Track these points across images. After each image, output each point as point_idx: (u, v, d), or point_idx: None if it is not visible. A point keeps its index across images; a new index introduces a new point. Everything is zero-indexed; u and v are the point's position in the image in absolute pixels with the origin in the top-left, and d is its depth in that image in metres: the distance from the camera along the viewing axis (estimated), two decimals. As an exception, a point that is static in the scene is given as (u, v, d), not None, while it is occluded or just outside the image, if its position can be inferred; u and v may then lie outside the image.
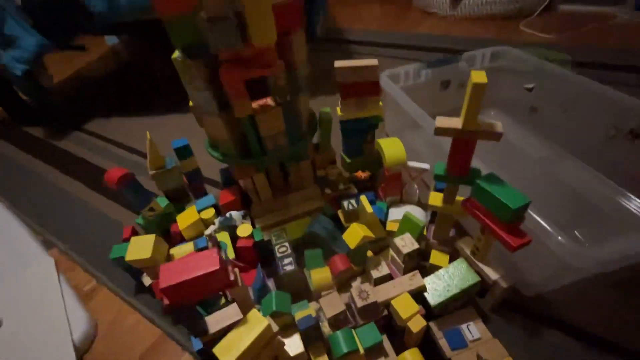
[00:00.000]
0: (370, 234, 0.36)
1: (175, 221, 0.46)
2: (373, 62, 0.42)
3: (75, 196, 0.64)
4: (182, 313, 0.28)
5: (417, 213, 0.45)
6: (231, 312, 0.31)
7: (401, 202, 0.50)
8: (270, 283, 0.41)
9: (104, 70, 1.22)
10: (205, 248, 0.44)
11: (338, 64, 0.42)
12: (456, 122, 0.30)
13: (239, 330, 0.27)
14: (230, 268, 0.29)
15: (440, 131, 0.31)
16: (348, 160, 0.52)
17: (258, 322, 0.27)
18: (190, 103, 0.42)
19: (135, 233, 0.45)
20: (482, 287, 0.36)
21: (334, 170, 0.49)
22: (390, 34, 1.16)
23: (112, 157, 0.74)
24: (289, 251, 0.40)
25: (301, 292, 0.40)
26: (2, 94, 0.89)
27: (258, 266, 0.37)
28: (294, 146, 0.43)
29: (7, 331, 0.40)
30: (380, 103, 0.47)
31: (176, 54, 0.37)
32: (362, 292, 0.34)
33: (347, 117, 0.47)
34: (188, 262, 0.25)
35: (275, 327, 0.32)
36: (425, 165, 0.46)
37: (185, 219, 0.45)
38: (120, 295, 0.45)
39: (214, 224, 0.46)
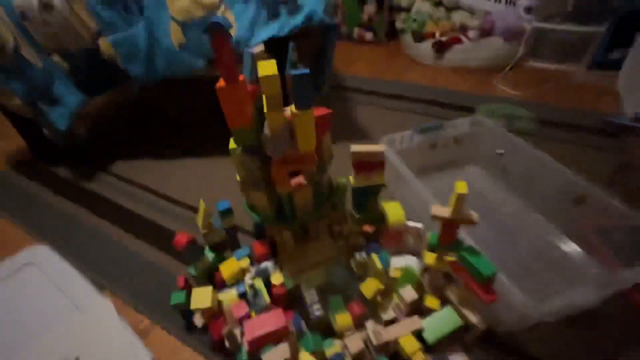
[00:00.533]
0: (381, 286, 0.48)
1: (218, 270, 0.56)
2: (381, 148, 0.54)
3: (113, 238, 0.73)
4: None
5: (413, 263, 0.57)
6: (283, 350, 0.41)
7: (399, 251, 0.61)
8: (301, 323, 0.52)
9: (121, 112, 1.30)
10: (245, 293, 0.54)
11: (354, 148, 0.54)
12: (446, 212, 0.43)
13: (294, 367, 0.37)
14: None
15: (435, 217, 0.43)
16: (357, 216, 0.63)
17: (308, 361, 0.38)
18: (238, 178, 0.53)
19: (186, 281, 0.55)
20: (465, 326, 0.48)
21: (347, 226, 0.60)
22: (381, 82, 1.31)
23: (140, 201, 0.83)
24: (317, 298, 0.50)
25: (325, 329, 0.51)
26: (28, 134, 0.97)
27: (296, 313, 0.48)
28: (317, 211, 0.55)
29: (82, 367, 0.48)
30: (383, 175, 0.59)
31: (233, 145, 0.48)
32: (377, 333, 0.46)
33: (358, 185, 0.59)
34: (263, 319, 0.36)
35: (315, 363, 0.42)
36: (419, 225, 0.58)
37: (228, 268, 0.55)
38: (173, 333, 0.54)
39: (249, 271, 0.57)
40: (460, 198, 0.41)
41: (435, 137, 0.78)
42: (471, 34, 1.32)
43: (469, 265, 0.43)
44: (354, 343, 0.45)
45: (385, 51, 1.63)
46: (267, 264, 0.56)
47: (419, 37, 1.41)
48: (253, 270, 0.56)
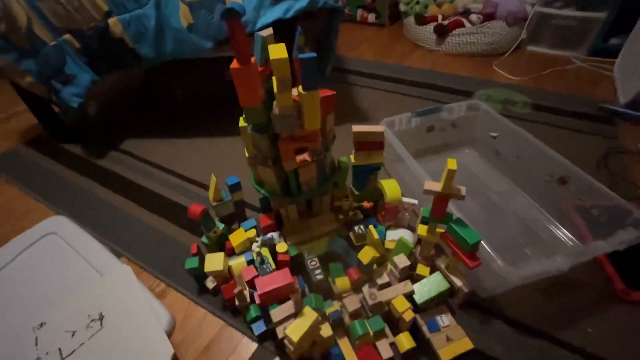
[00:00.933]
0: (377, 254, 0.53)
1: (228, 239, 0.61)
2: (380, 128, 0.58)
3: (126, 212, 0.78)
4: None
5: (408, 235, 0.62)
6: (288, 307, 0.46)
7: (395, 226, 0.66)
8: (305, 287, 0.57)
9: (130, 93, 1.32)
10: (252, 261, 0.59)
11: (355, 128, 0.58)
12: (437, 186, 0.47)
13: (299, 319, 0.43)
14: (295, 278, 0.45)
15: (427, 191, 0.47)
16: (356, 193, 0.68)
17: (311, 314, 0.43)
18: (247, 154, 0.57)
19: (199, 249, 0.60)
20: (451, 291, 0.53)
21: (347, 202, 0.65)
22: (382, 65, 1.33)
23: (151, 177, 0.87)
24: (318, 264, 0.56)
25: (326, 293, 0.56)
26: (41, 112, 1.00)
27: (300, 277, 0.53)
28: (320, 187, 0.59)
29: (110, 325, 0.54)
30: (384, 153, 0.63)
31: (243, 124, 0.52)
32: (372, 294, 0.51)
33: (358, 163, 0.63)
34: (272, 277, 0.41)
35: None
36: (415, 201, 0.63)
37: (236, 238, 0.60)
38: (188, 295, 0.59)
39: (256, 241, 0.62)
40: (450, 174, 0.45)
41: (432, 120, 0.81)
42: (474, 17, 1.32)
43: (456, 234, 0.47)
44: (352, 302, 0.50)
45: (387, 34, 1.64)
46: (273, 234, 0.61)
47: (421, 20, 1.41)
48: (260, 240, 0.61)
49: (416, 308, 0.51)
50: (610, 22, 1.20)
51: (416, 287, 0.52)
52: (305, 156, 0.54)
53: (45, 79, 0.80)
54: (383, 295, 0.51)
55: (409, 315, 0.49)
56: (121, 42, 0.78)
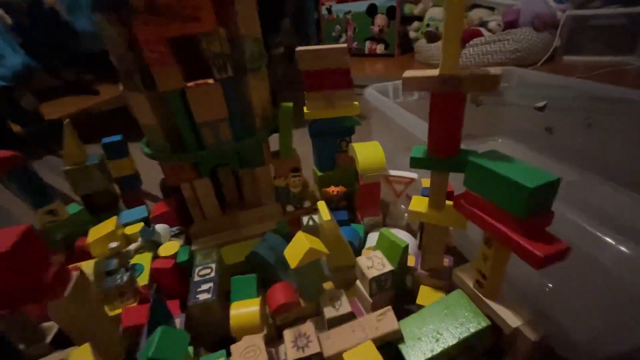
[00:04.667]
0: (322, 248, 0.25)
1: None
2: (341, 45, 0.35)
3: None
4: None
5: (403, 237, 0.34)
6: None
7: (384, 225, 0.38)
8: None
9: (108, 110, 1.23)
10: (114, 271, 0.32)
11: (301, 48, 0.36)
12: (432, 72, 0.21)
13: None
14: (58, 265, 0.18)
15: (409, 85, 0.22)
16: (319, 174, 0.42)
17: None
18: (120, 87, 0.35)
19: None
20: (494, 339, 0.23)
21: (297, 179, 0.39)
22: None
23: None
24: (213, 274, 0.28)
25: (222, 334, 0.27)
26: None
27: (153, 288, 0.25)
28: (242, 142, 0.34)
29: None
30: (356, 103, 0.39)
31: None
32: (300, 339, 0.22)
33: (313, 115, 0.38)
34: None
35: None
36: (413, 175, 0.36)
37: (98, 232, 0.35)
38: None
39: (137, 241, 0.36)
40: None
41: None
42: (493, 25, 1.15)
43: (492, 183, 0.20)
44: (249, 356, 0.21)
45: (397, 63, 1.50)
46: (161, 227, 0.35)
47: (433, 37, 1.27)
48: (140, 239, 0.35)
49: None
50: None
51: (406, 324, 0.23)
52: (206, 81, 0.31)
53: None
54: (328, 341, 0.22)
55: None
56: (55, 14, 0.66)
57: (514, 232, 0.19)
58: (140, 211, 0.39)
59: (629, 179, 0.41)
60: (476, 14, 1.25)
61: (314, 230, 0.33)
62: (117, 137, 0.39)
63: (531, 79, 0.53)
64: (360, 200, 0.37)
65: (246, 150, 0.36)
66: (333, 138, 0.41)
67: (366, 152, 0.35)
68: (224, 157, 0.35)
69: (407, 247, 0.27)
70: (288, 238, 0.35)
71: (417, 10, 1.45)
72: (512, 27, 1.14)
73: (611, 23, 1.05)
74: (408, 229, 0.38)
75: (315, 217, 0.34)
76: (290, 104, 0.37)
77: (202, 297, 0.26)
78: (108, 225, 0.36)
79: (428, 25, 1.39)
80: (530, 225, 0.18)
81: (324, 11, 1.64)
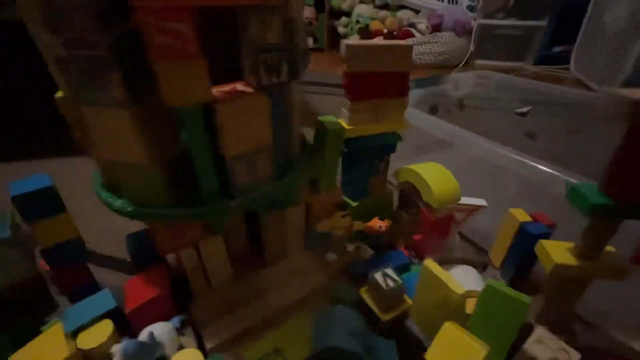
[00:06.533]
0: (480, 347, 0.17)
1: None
2: (407, 43, 0.27)
3: None
4: None
5: (471, 279, 0.28)
6: None
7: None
8: None
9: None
10: None
11: (352, 43, 0.26)
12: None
13: None
14: None
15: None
16: (352, 204, 0.33)
17: None
18: (59, 93, 0.19)
19: None
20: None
21: (344, 222, 0.29)
22: (323, 74, 1.08)
23: None
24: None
25: None
26: None
27: None
28: (284, 180, 0.23)
29: None
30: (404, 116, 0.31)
31: None
32: None
33: (358, 131, 0.29)
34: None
35: None
36: (482, 202, 0.30)
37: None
38: None
39: (110, 357, 0.21)
40: None
41: (435, 98, 0.54)
42: (422, 27, 1.21)
43: None
44: None
45: (328, 58, 1.46)
46: (160, 329, 0.21)
47: (367, 34, 1.26)
48: (120, 353, 0.20)
49: None
50: (553, 29, 1.17)
51: None
52: (236, 86, 0.19)
53: None
54: None
55: None
56: None
57: None
58: (100, 300, 0.23)
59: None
60: (405, 14, 1.29)
61: (392, 296, 0.25)
62: (43, 181, 0.22)
63: (511, 81, 0.54)
64: (426, 238, 0.29)
65: (283, 188, 0.24)
66: (370, 158, 0.32)
67: (435, 179, 0.28)
68: (257, 203, 0.23)
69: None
70: (354, 305, 0.26)
71: (345, 5, 1.43)
72: (438, 31, 1.22)
73: (510, 33, 1.22)
74: (466, 261, 0.32)
75: (388, 271, 0.26)
76: (339, 123, 0.27)
77: None
78: (49, 346, 0.20)
79: (358, 22, 1.38)
80: None
81: None
